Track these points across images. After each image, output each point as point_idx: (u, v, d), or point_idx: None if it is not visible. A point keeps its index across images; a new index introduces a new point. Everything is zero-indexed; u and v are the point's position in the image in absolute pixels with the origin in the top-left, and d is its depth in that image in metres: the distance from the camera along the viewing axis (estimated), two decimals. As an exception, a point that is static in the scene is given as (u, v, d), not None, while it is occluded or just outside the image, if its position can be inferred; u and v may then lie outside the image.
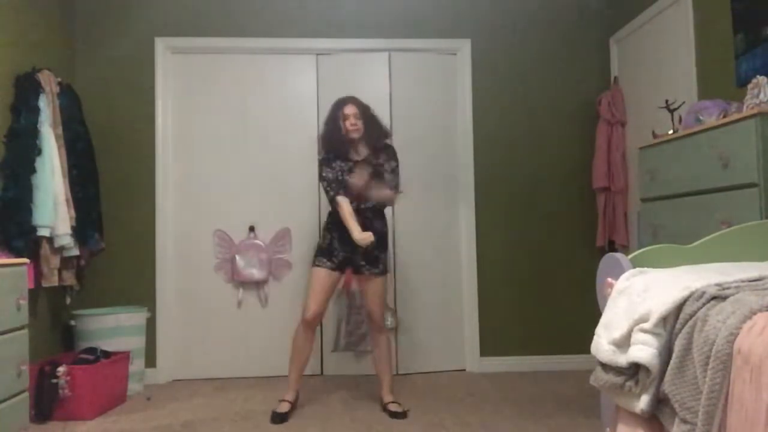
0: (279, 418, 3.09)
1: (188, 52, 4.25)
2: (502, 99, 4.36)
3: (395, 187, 3.29)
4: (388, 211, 4.14)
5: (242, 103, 4.27)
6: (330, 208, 3.30)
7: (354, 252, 3.20)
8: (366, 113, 3.28)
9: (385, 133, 3.37)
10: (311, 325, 3.23)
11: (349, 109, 3.23)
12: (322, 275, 3.20)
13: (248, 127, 4.26)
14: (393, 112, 4.25)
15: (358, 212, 3.18)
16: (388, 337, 3.43)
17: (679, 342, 1.41)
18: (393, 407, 3.19)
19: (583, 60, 4.39)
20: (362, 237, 3.08)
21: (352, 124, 3.21)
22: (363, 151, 3.28)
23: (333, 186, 3.19)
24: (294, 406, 3.22)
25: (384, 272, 3.28)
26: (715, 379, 1.25)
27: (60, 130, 3.49)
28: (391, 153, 3.32)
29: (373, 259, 3.23)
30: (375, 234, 3.18)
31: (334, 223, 3.24)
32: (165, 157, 4.17)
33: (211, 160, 4.23)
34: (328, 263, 3.21)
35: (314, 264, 3.25)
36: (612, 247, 4.12)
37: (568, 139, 4.35)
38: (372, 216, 3.24)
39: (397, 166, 3.32)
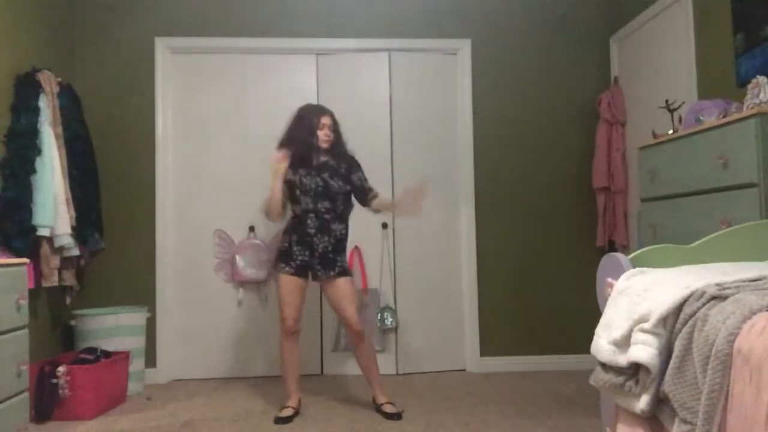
0: (283, 421, 3.09)
1: (188, 52, 4.25)
2: (502, 99, 4.36)
3: (372, 193, 3.31)
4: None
5: (242, 103, 4.27)
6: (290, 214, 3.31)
7: (311, 256, 3.18)
8: (338, 128, 3.30)
9: (347, 150, 3.35)
10: (293, 331, 3.22)
11: (327, 120, 3.24)
12: (288, 281, 3.20)
13: (248, 127, 4.25)
14: (393, 111, 4.25)
15: (315, 212, 3.18)
16: (370, 341, 3.38)
17: (679, 342, 1.41)
18: (388, 408, 3.18)
19: (583, 60, 4.39)
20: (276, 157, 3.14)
21: (326, 135, 3.23)
22: (322, 159, 3.26)
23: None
24: (297, 411, 3.22)
25: (343, 274, 3.22)
26: (715, 379, 1.25)
27: (60, 130, 3.49)
28: (356, 163, 3.33)
29: (329, 262, 3.19)
30: (332, 237, 3.19)
31: (293, 226, 3.23)
32: (165, 157, 4.17)
33: (211, 160, 4.23)
34: (287, 268, 3.20)
35: (277, 269, 3.25)
36: (612, 247, 4.12)
37: (568, 139, 4.35)
38: (330, 218, 3.21)
39: (363, 172, 3.33)
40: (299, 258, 3.19)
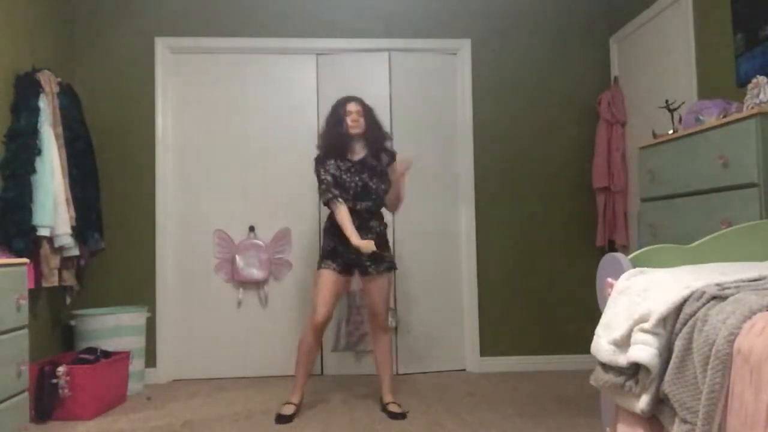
0: (284, 419, 3.09)
1: (188, 52, 4.25)
2: (502, 99, 4.36)
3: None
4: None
5: (242, 102, 4.27)
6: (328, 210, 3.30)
7: (358, 255, 3.18)
8: (369, 113, 3.31)
9: (385, 136, 3.38)
10: (320, 328, 3.22)
11: (352, 107, 3.27)
12: (330, 278, 3.19)
13: (248, 127, 4.26)
14: (393, 112, 4.25)
15: (355, 212, 3.18)
16: (390, 336, 3.43)
17: (679, 342, 1.41)
18: (393, 408, 3.19)
19: (583, 60, 4.39)
20: (362, 244, 3.08)
21: (354, 120, 3.24)
22: (361, 152, 3.29)
23: (332, 189, 3.17)
24: (299, 408, 3.22)
25: (390, 269, 3.30)
26: (715, 379, 1.25)
27: (60, 130, 3.49)
28: (393, 156, 3.35)
29: (378, 258, 3.22)
30: (373, 234, 3.21)
31: (335, 226, 3.21)
32: (165, 157, 4.17)
33: (211, 160, 4.23)
34: (335, 265, 3.20)
35: (320, 267, 3.23)
36: (612, 247, 4.12)
37: (568, 139, 4.35)
38: (369, 216, 3.23)
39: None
40: (346, 256, 3.19)
